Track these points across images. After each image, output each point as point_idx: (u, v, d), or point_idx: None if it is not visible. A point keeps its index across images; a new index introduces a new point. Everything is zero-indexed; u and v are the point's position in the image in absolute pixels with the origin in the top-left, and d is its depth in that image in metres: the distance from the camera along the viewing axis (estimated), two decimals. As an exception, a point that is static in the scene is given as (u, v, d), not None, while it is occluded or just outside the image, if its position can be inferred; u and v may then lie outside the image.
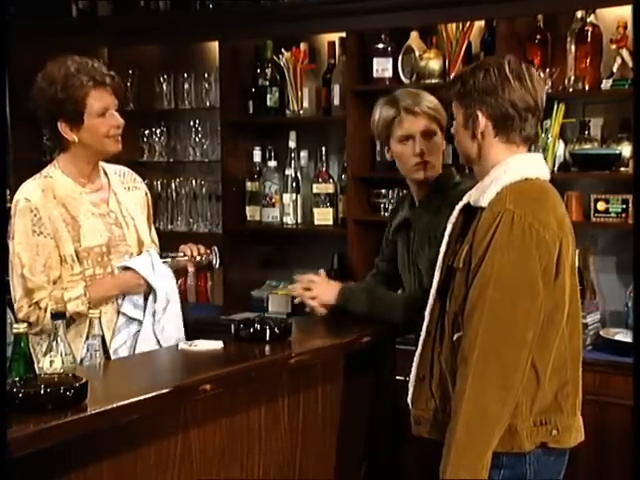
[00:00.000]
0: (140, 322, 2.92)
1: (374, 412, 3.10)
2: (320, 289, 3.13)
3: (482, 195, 2.43)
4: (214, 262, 3.15)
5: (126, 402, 2.16)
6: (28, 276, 2.83)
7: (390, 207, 4.46)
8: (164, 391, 2.27)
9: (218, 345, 2.71)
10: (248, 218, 4.84)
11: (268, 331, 2.75)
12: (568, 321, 2.43)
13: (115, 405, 2.13)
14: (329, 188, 4.62)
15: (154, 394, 2.24)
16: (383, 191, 4.49)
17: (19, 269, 2.84)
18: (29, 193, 2.86)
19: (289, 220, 4.73)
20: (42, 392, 2.06)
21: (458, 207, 2.54)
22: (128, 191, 3.12)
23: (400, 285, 3.22)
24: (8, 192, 3.68)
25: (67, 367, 2.49)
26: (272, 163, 4.76)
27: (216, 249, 3.17)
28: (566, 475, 2.52)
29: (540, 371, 2.38)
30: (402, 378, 3.24)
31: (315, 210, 4.64)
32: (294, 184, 4.72)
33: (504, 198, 2.37)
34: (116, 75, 3.00)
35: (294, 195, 4.71)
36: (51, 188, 2.90)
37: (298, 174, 4.73)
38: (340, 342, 2.90)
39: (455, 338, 2.43)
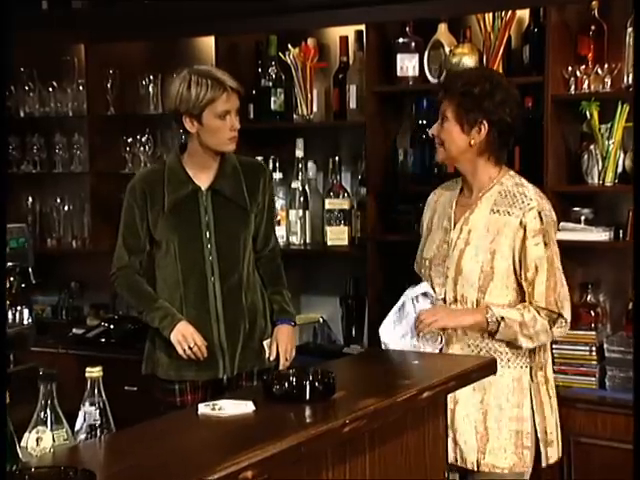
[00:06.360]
0: None
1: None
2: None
3: None
4: None
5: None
6: None
7: (415, 224, 3.94)
8: (199, 485, 1.69)
9: (248, 408, 2.16)
10: (249, 237, 4.32)
11: (308, 388, 2.23)
12: None
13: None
14: (344, 204, 4.11)
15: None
16: (406, 207, 3.95)
17: None
18: None
19: (296, 240, 4.25)
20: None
21: None
22: None
23: None
24: None
25: (59, 446, 1.91)
26: (277, 175, 4.26)
27: None
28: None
29: None
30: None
31: (328, 228, 4.15)
32: (301, 199, 4.23)
33: None
34: None
35: (301, 211, 4.22)
36: None
37: (306, 187, 4.23)
38: (397, 401, 2.34)
39: None
